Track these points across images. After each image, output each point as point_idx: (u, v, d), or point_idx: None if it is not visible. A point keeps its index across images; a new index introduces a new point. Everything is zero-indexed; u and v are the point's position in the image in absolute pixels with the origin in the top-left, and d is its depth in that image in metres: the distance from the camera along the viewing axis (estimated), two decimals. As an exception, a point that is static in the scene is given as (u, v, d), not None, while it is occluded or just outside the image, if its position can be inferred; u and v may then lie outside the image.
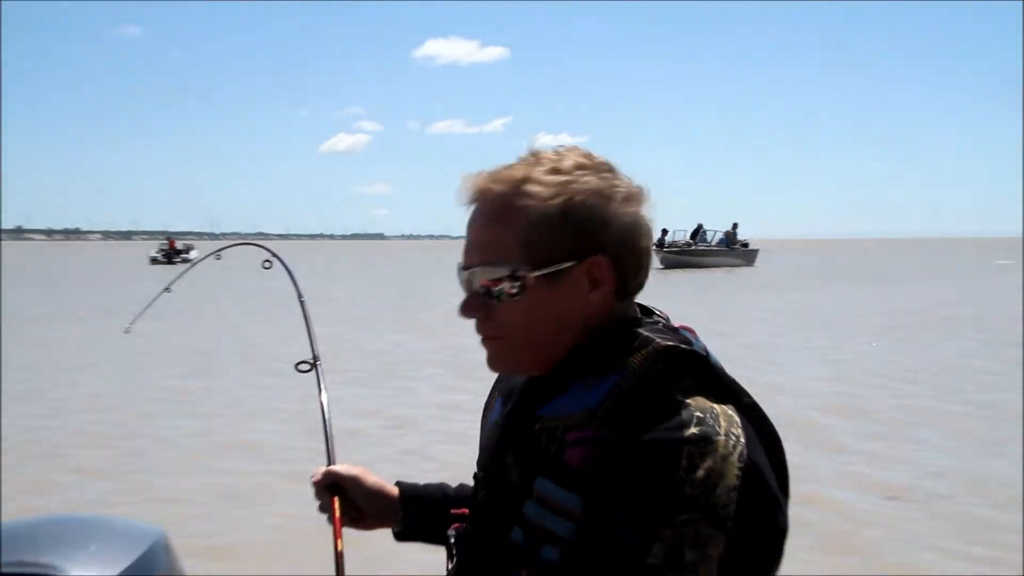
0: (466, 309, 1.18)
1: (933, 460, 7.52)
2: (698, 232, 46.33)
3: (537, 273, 1.13)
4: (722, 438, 1.03)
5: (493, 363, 1.21)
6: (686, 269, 40.65)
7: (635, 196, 1.16)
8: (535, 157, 1.18)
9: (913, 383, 11.19)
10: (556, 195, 1.13)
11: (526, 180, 1.15)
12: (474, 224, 1.19)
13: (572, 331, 1.15)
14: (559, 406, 1.12)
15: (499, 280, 1.14)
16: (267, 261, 2.20)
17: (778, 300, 24.55)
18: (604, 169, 1.16)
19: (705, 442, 1.02)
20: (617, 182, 1.16)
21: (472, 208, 1.19)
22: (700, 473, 1.00)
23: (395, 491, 1.49)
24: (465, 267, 1.19)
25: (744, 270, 43.30)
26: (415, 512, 1.47)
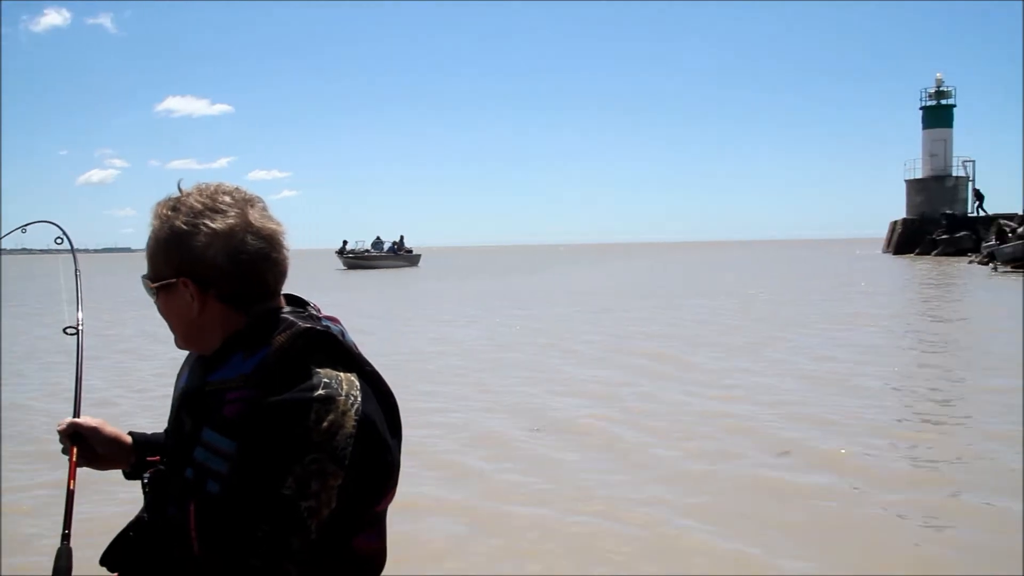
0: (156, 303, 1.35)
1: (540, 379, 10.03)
2: (376, 242, 52.27)
3: (155, 284, 1.32)
4: (343, 397, 1.19)
5: (175, 342, 1.37)
6: (365, 270, 47.15)
7: (229, 231, 1.26)
8: (177, 195, 1.31)
9: (535, 335, 15.10)
10: (160, 228, 1.30)
11: (153, 214, 1.31)
12: None
13: (210, 326, 1.30)
14: (223, 373, 1.26)
15: (148, 286, 1.34)
16: (59, 238, 2.09)
17: (426, 287, 32.37)
18: (211, 209, 1.27)
19: (329, 401, 1.18)
20: (208, 222, 1.26)
21: None
22: (325, 424, 1.16)
23: (129, 439, 1.55)
24: None
25: (410, 270, 49.65)
26: (143, 456, 1.52)
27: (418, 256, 55.41)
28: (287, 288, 1.39)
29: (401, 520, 1.61)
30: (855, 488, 5.69)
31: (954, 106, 52.69)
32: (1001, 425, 7.36)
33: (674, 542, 4.80)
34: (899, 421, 7.74)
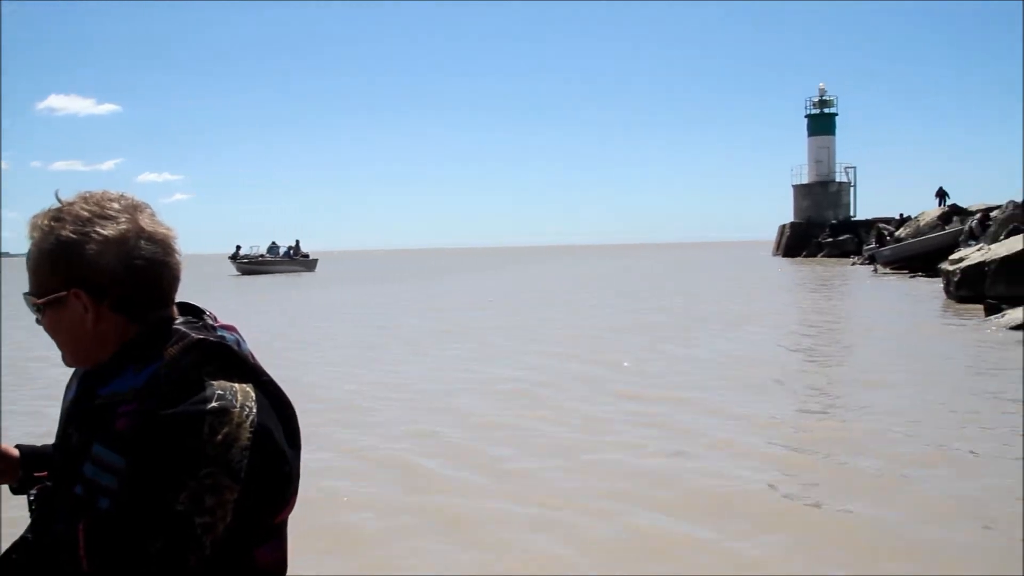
0: (39, 320, 1.30)
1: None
2: (272, 247, 51.94)
3: (41, 300, 1.26)
4: (237, 409, 1.17)
5: (63, 360, 1.32)
6: (260, 275, 46.65)
7: (122, 237, 1.23)
8: (57, 205, 1.26)
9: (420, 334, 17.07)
10: (44, 240, 1.24)
11: (31, 227, 1.27)
12: None
13: (104, 339, 1.26)
14: (113, 386, 1.23)
15: (32, 303, 1.28)
16: None
17: (320, 293, 32.27)
18: (99, 216, 1.23)
19: (224, 413, 1.16)
20: (99, 229, 1.22)
21: None
22: (219, 437, 1.14)
23: (15, 452, 1.50)
24: None
25: (306, 274, 49.31)
26: (31, 470, 1.48)
27: (315, 261, 55.07)
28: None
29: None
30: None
31: (836, 114, 55.47)
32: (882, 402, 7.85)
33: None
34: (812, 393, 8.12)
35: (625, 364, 11.37)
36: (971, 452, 6.58)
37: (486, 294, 28.34)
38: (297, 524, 1.38)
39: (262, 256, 51.11)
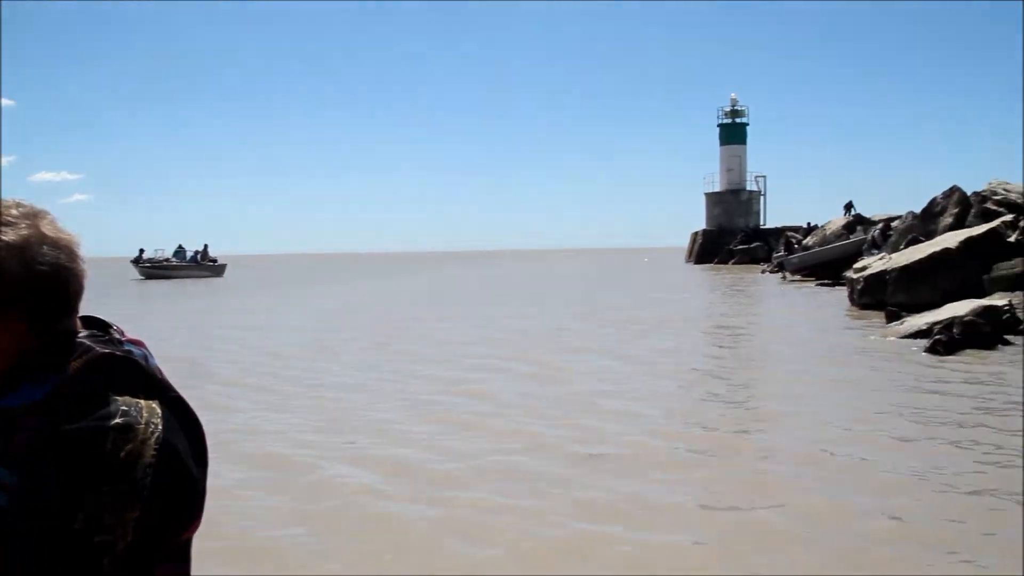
0: None
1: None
2: (179, 251, 50.98)
3: None
4: (142, 426, 1.16)
5: None
6: (165, 280, 45.85)
7: (24, 243, 1.20)
8: None
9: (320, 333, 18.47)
10: None
11: None
12: None
13: (5, 352, 1.22)
14: (9, 401, 1.19)
15: None
16: None
17: (226, 300, 31.79)
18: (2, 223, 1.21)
19: (128, 429, 1.14)
20: None
21: None
22: (122, 454, 1.12)
23: None
24: None
25: (214, 280, 48.48)
26: None
27: (223, 266, 53.86)
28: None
29: None
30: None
31: (747, 124, 57.20)
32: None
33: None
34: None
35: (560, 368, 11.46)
36: (892, 437, 7.21)
37: (389, 300, 28.12)
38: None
39: (167, 260, 50.05)
